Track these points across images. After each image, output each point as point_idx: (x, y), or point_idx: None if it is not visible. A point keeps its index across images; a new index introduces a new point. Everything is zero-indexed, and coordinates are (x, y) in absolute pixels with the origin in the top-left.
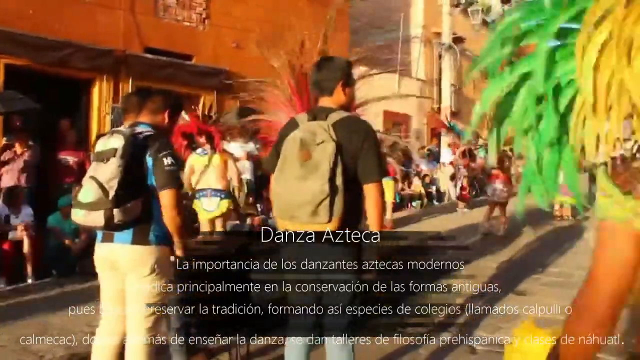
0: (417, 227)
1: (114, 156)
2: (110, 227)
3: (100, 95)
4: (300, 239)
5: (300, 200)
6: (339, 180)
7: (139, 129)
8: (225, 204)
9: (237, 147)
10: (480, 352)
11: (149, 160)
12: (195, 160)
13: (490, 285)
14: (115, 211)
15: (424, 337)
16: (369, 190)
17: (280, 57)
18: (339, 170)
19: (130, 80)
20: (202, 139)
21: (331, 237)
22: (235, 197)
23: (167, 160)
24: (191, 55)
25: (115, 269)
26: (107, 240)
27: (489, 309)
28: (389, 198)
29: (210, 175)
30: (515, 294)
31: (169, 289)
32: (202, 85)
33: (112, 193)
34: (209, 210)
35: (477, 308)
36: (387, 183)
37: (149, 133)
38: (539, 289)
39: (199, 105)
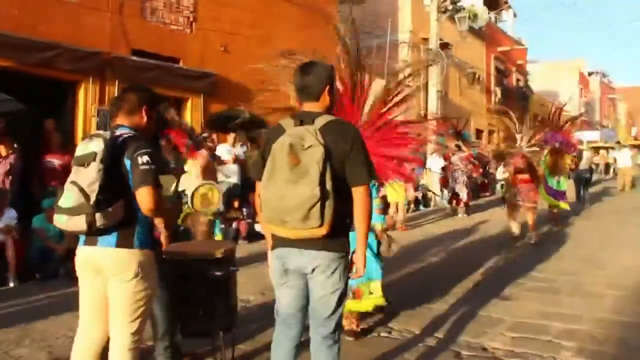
0: (425, 231)
1: (94, 160)
2: (93, 231)
3: (85, 98)
4: (290, 244)
5: (290, 205)
6: (329, 185)
7: (118, 131)
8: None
9: (224, 150)
10: (465, 357)
11: (127, 162)
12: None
13: (475, 290)
14: (97, 215)
15: (409, 342)
16: (358, 193)
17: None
18: (328, 175)
19: (117, 83)
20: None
21: (322, 241)
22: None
23: (142, 159)
24: (178, 59)
25: (97, 272)
26: (90, 244)
27: (474, 313)
28: (401, 199)
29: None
30: (500, 299)
31: (153, 292)
32: (189, 89)
33: (93, 197)
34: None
35: (462, 313)
36: (399, 185)
37: (127, 135)
38: (523, 294)
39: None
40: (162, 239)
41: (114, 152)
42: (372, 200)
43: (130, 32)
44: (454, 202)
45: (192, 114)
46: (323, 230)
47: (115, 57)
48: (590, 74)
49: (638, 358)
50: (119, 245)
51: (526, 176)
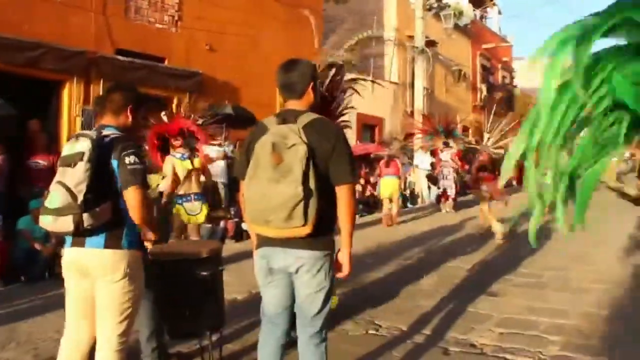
0: (419, 226)
1: (81, 160)
2: (80, 232)
3: (70, 97)
4: (274, 243)
5: (274, 204)
6: (312, 183)
7: (105, 131)
8: (205, 207)
9: (213, 149)
10: (453, 353)
11: (115, 163)
12: (177, 165)
13: (463, 287)
14: (85, 216)
15: (397, 339)
16: (342, 192)
17: None
18: (311, 173)
19: (102, 83)
20: (178, 142)
21: (306, 240)
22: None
23: (130, 159)
24: (163, 58)
25: (84, 274)
26: (78, 245)
27: (462, 310)
28: (395, 194)
29: (192, 180)
30: (487, 295)
31: (141, 293)
32: (175, 88)
33: (80, 197)
34: (194, 214)
35: (449, 309)
36: (392, 180)
37: (114, 135)
38: (510, 289)
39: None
40: (147, 242)
41: (101, 153)
42: (355, 198)
43: (115, 31)
44: (442, 198)
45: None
46: (307, 230)
47: (100, 57)
48: None
49: (623, 351)
50: (107, 246)
51: (487, 174)
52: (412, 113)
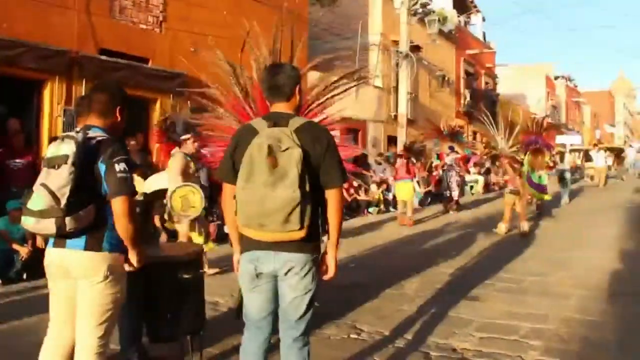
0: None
1: (66, 163)
2: (62, 234)
3: (52, 97)
4: (264, 246)
5: (271, 208)
6: (307, 187)
7: (91, 133)
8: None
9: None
10: (434, 357)
11: (102, 167)
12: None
13: (444, 291)
14: (67, 219)
15: (379, 343)
16: (332, 196)
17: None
18: (306, 177)
19: (84, 83)
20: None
21: (297, 243)
22: None
23: (120, 167)
24: (147, 58)
25: (66, 275)
26: (59, 246)
27: (443, 315)
28: (410, 197)
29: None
30: (468, 300)
31: (122, 296)
32: (158, 89)
33: (63, 201)
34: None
35: (431, 314)
36: (407, 184)
37: (101, 138)
38: (491, 294)
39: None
40: (131, 255)
41: (87, 156)
42: (343, 201)
43: (98, 30)
44: (447, 201)
45: (161, 115)
46: (302, 233)
47: (82, 56)
48: (556, 77)
49: (602, 356)
50: (87, 248)
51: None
52: (396, 117)
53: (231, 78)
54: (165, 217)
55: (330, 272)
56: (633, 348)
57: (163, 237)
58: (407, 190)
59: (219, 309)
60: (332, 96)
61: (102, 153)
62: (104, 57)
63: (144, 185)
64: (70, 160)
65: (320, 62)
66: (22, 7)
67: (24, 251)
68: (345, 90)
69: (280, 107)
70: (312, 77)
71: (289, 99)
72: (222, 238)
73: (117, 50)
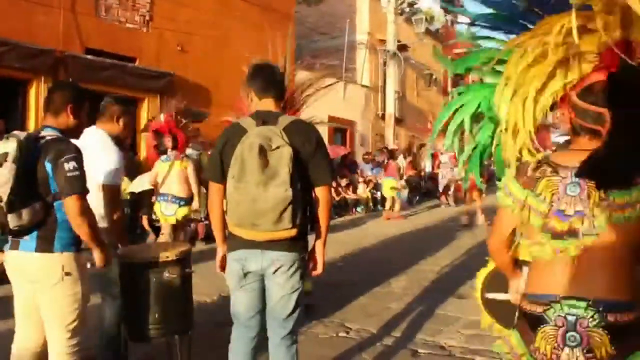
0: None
1: (6, 161)
2: (6, 232)
3: (37, 97)
4: (253, 245)
5: (263, 208)
6: (298, 185)
7: (43, 132)
8: (183, 211)
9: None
10: (422, 355)
11: (48, 166)
12: (159, 167)
13: (432, 289)
14: (10, 217)
15: (367, 341)
16: (322, 193)
17: None
18: (297, 175)
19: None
20: (169, 141)
21: (286, 241)
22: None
23: (69, 165)
24: (134, 58)
25: (24, 277)
26: (14, 248)
27: (430, 312)
28: (390, 194)
29: (172, 182)
30: (455, 297)
31: (85, 295)
32: (145, 88)
33: (4, 198)
34: (168, 215)
35: (419, 312)
36: (392, 181)
37: (50, 137)
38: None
39: (142, 107)
40: (95, 255)
41: (31, 154)
42: (331, 199)
43: (84, 30)
44: (443, 195)
45: (148, 114)
46: (293, 232)
47: (68, 55)
48: None
49: None
50: (38, 249)
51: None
52: (383, 116)
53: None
54: (153, 216)
55: (319, 268)
56: None
57: (151, 237)
58: (387, 187)
59: (206, 309)
60: (316, 91)
61: (48, 152)
62: (89, 57)
63: (132, 185)
64: (10, 158)
65: (307, 60)
66: (7, 6)
67: (2, 257)
68: (327, 86)
69: (269, 104)
70: (300, 76)
71: (280, 97)
72: (209, 237)
73: (103, 49)
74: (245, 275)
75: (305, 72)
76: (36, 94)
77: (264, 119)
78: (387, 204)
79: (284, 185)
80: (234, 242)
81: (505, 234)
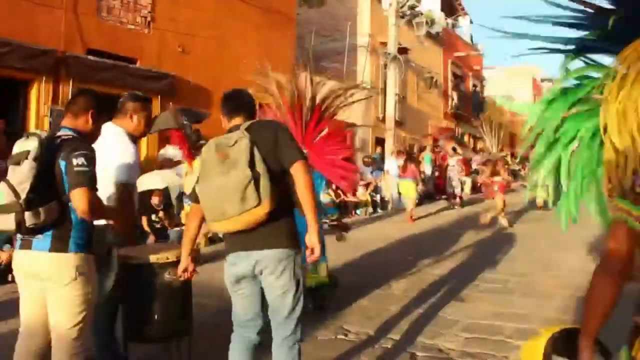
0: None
1: (27, 158)
2: (22, 230)
3: (38, 97)
4: (237, 247)
5: (226, 192)
6: (259, 167)
7: (60, 132)
8: None
9: (176, 151)
10: (421, 357)
11: (62, 164)
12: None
13: (431, 292)
14: (27, 214)
15: (366, 343)
16: (296, 170)
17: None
18: (257, 159)
19: (71, 83)
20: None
21: (264, 237)
22: None
23: (77, 161)
24: (135, 59)
25: (34, 276)
26: (25, 248)
27: (429, 315)
28: (412, 195)
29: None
30: (455, 300)
31: (94, 296)
32: (146, 89)
33: (23, 196)
34: None
35: (418, 314)
36: (408, 183)
37: (66, 137)
38: (477, 295)
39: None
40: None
41: (50, 152)
42: (311, 175)
43: (86, 30)
44: (451, 198)
45: None
46: (265, 209)
47: (69, 56)
48: (543, 80)
49: None
50: (52, 249)
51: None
52: (383, 119)
53: (278, 93)
54: (153, 217)
55: (316, 252)
56: (612, 348)
57: (151, 239)
58: (405, 189)
59: (207, 310)
60: (343, 106)
61: (62, 151)
62: (91, 57)
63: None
64: (31, 156)
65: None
66: (8, 6)
67: (3, 255)
68: (354, 102)
69: (239, 121)
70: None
71: (250, 116)
72: (209, 238)
73: (104, 50)
74: (239, 280)
75: (304, 72)
76: (37, 94)
77: (230, 130)
78: (409, 206)
79: (243, 167)
80: (227, 246)
81: (624, 255)
